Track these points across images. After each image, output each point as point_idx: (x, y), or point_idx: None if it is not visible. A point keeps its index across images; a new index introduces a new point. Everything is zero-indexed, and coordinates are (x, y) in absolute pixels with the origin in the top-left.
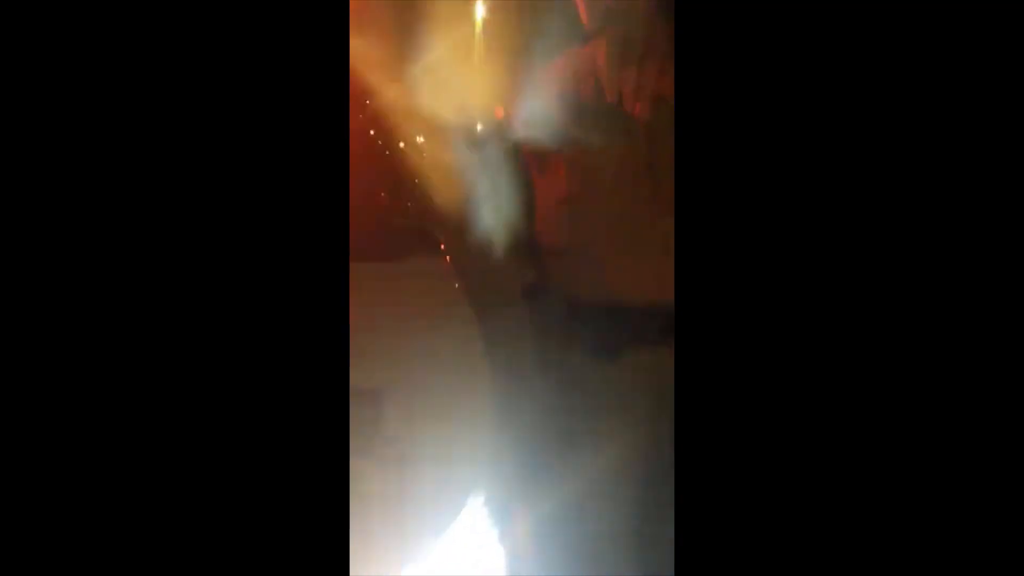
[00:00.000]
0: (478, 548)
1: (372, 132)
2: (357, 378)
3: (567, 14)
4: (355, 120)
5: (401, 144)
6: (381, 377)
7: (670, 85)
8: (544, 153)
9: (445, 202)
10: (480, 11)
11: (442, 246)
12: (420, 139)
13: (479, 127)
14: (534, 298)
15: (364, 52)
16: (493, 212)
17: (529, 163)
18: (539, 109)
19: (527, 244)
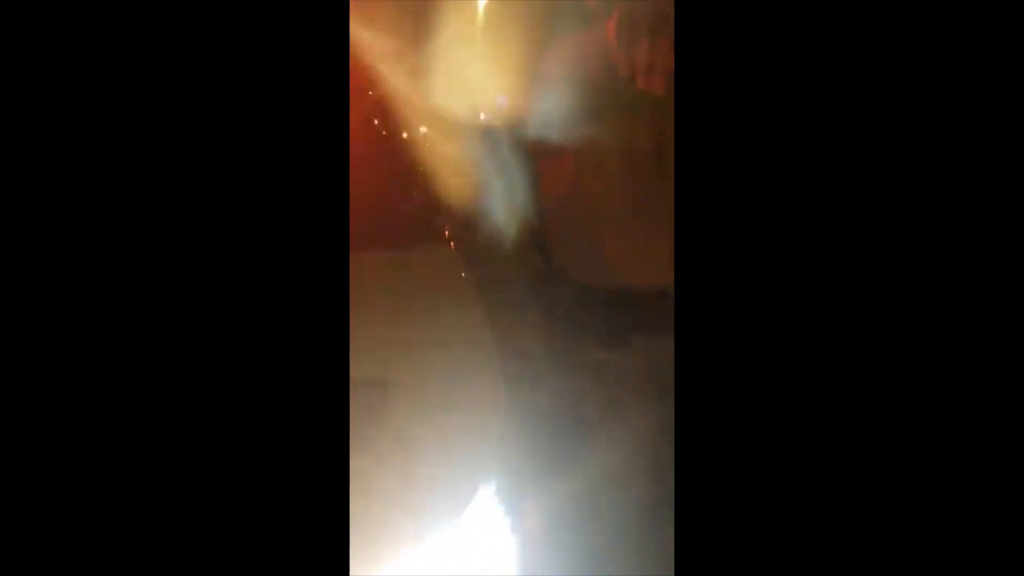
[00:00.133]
0: (489, 536)
1: (377, 122)
2: (365, 369)
3: None
4: (359, 110)
5: (404, 135)
6: (389, 368)
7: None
8: (551, 141)
9: (453, 192)
10: None
11: (446, 234)
12: (423, 129)
13: (482, 116)
14: (542, 286)
15: (369, 43)
16: (501, 201)
17: (536, 151)
18: (547, 96)
19: (534, 232)
